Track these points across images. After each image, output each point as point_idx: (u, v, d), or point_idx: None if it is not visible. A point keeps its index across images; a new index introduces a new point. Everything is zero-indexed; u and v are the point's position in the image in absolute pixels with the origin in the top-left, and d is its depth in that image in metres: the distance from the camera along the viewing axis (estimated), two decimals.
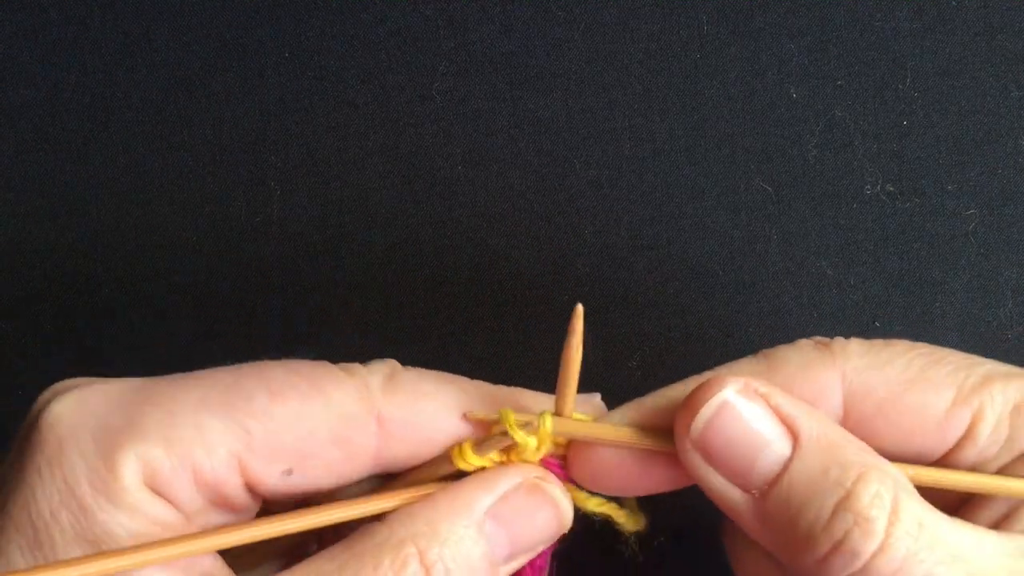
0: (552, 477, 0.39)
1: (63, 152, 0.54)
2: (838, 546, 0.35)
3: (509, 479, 0.38)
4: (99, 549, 0.34)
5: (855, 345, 0.39)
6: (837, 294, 0.53)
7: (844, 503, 0.35)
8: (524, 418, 0.38)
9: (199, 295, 0.53)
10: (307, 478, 0.37)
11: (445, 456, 0.39)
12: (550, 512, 0.39)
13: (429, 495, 0.37)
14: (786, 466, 0.36)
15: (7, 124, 0.54)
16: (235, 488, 0.36)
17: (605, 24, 0.54)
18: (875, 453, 0.37)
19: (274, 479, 0.36)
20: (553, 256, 0.53)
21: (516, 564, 0.38)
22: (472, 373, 0.53)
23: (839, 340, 0.40)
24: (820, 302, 0.53)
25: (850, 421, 0.39)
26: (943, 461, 0.39)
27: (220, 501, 0.37)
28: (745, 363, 0.39)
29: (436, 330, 0.53)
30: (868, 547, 0.34)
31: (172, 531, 0.35)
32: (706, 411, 0.36)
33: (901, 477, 0.36)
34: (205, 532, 0.35)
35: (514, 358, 0.53)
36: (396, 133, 0.54)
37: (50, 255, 0.54)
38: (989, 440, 0.38)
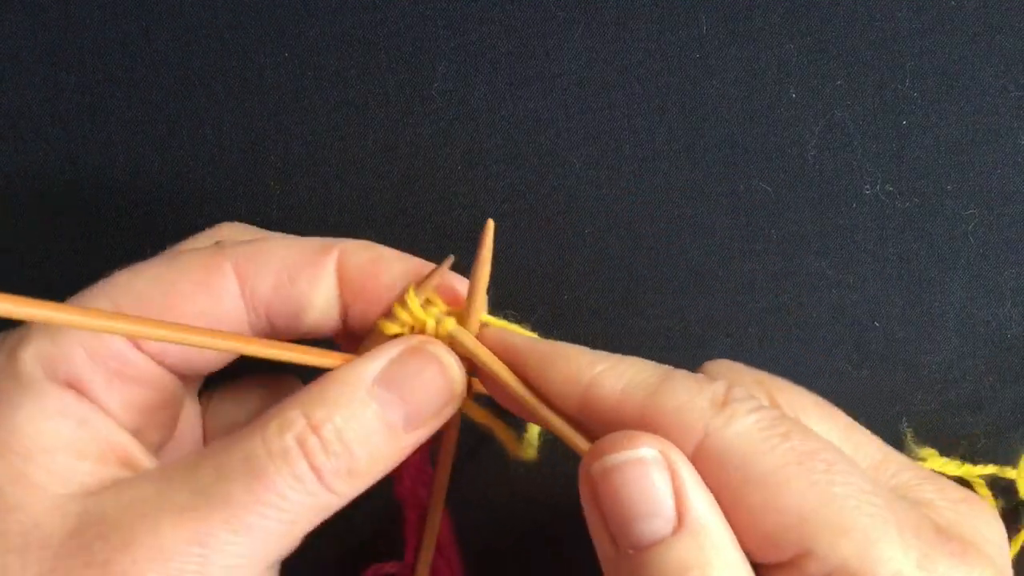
0: (440, 343, 0.40)
1: (63, 152, 0.54)
2: None
3: (395, 347, 0.39)
4: (7, 448, 0.36)
5: (748, 415, 0.36)
6: (837, 294, 0.53)
7: None
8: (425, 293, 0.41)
9: None
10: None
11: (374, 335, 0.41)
12: (435, 369, 0.39)
13: (322, 375, 0.39)
14: (657, 543, 0.35)
15: (7, 124, 0.54)
16: (128, 353, 0.39)
17: (605, 24, 0.54)
18: (747, 568, 0.35)
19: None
20: (553, 256, 0.53)
21: (420, 432, 0.39)
22: None
23: (745, 401, 0.37)
24: (820, 302, 0.53)
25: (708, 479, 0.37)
26: (772, 571, 0.37)
27: (123, 371, 0.39)
28: (635, 369, 0.38)
29: None
30: None
31: (77, 425, 0.37)
32: (615, 458, 0.36)
33: None
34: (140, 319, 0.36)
35: None
36: (396, 133, 0.54)
37: (50, 255, 0.54)
38: None
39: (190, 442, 0.45)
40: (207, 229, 0.45)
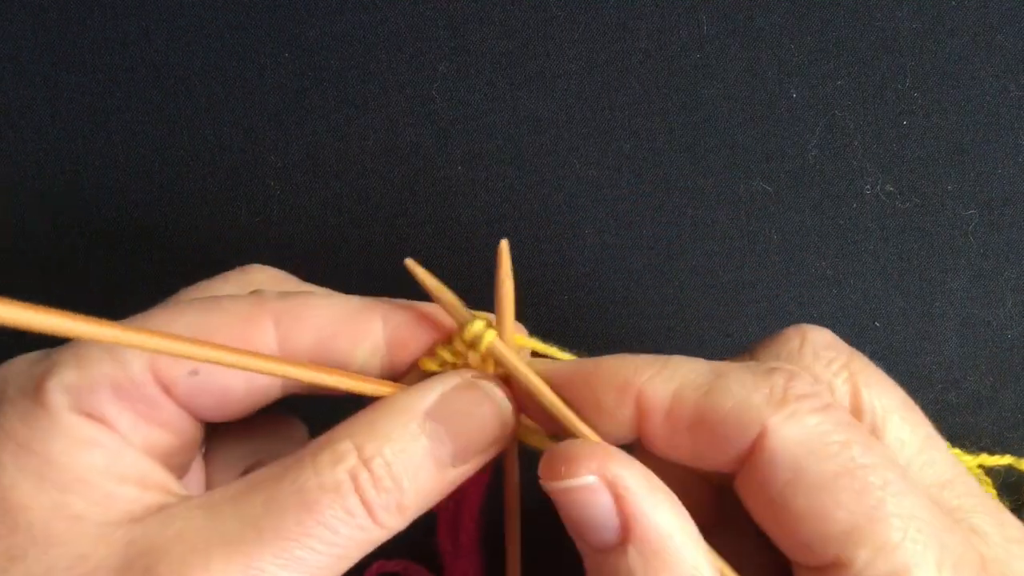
0: (492, 378, 0.40)
1: (63, 152, 0.54)
2: None
3: (446, 381, 0.39)
4: (45, 480, 0.35)
5: (808, 415, 0.35)
6: (837, 294, 0.53)
7: None
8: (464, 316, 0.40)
9: None
10: (214, 377, 0.38)
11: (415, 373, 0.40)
12: (488, 408, 0.39)
13: (371, 404, 0.38)
14: (611, 550, 0.36)
15: (7, 124, 0.54)
16: (157, 396, 0.38)
17: (605, 24, 0.54)
18: (708, 571, 0.36)
19: (183, 380, 0.38)
20: (553, 256, 0.53)
21: (467, 467, 0.39)
22: None
23: (807, 396, 0.36)
24: (820, 302, 0.53)
25: (744, 472, 0.37)
26: (803, 572, 0.37)
27: (149, 413, 0.38)
28: (685, 373, 0.38)
29: None
30: None
31: (111, 453, 0.36)
32: (556, 485, 0.36)
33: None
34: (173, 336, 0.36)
35: None
36: (396, 133, 0.54)
37: (49, 255, 0.54)
38: None
39: (195, 481, 0.44)
40: (237, 269, 0.44)
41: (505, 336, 0.40)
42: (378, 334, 0.40)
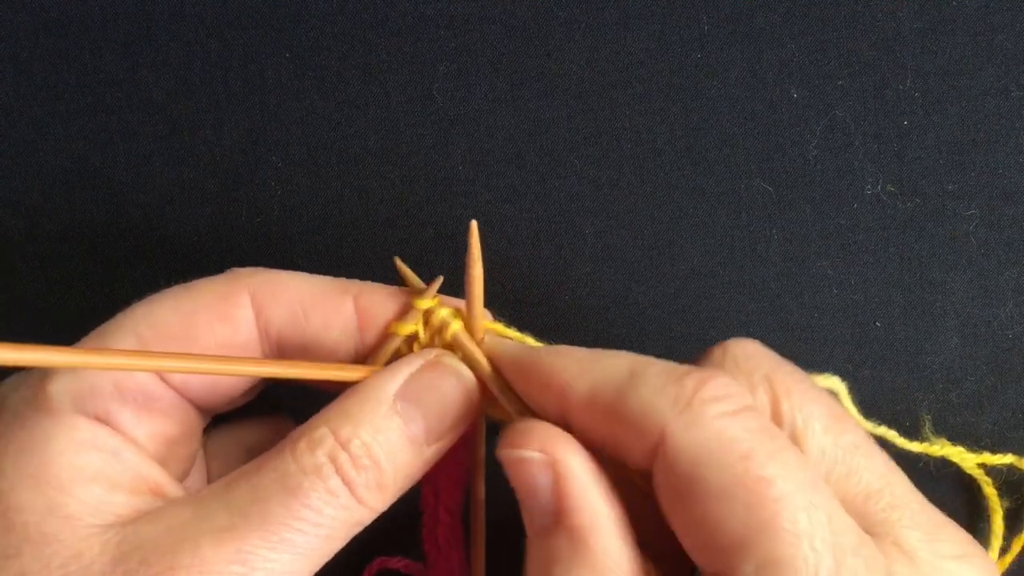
0: (450, 354, 0.42)
1: (63, 152, 0.54)
2: None
3: (412, 362, 0.40)
4: (42, 481, 0.36)
5: (711, 420, 0.35)
6: (837, 294, 0.53)
7: None
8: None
9: None
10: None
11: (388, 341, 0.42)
12: (453, 380, 0.40)
13: (343, 392, 0.40)
14: (539, 533, 0.37)
15: (7, 124, 0.54)
16: (155, 387, 0.40)
17: (605, 24, 0.54)
18: (629, 568, 0.36)
19: None
20: (553, 256, 0.53)
21: (441, 443, 0.40)
22: None
23: (713, 400, 0.36)
24: (820, 302, 0.53)
25: (661, 475, 0.36)
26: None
27: (149, 404, 0.39)
28: (605, 367, 0.38)
29: None
30: None
31: (108, 455, 0.37)
32: (508, 452, 0.38)
33: None
34: (168, 354, 0.39)
35: None
36: (396, 133, 0.54)
37: (49, 255, 0.54)
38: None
39: (198, 479, 0.45)
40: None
41: (473, 322, 0.42)
42: (350, 312, 0.42)
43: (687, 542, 0.36)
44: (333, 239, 0.54)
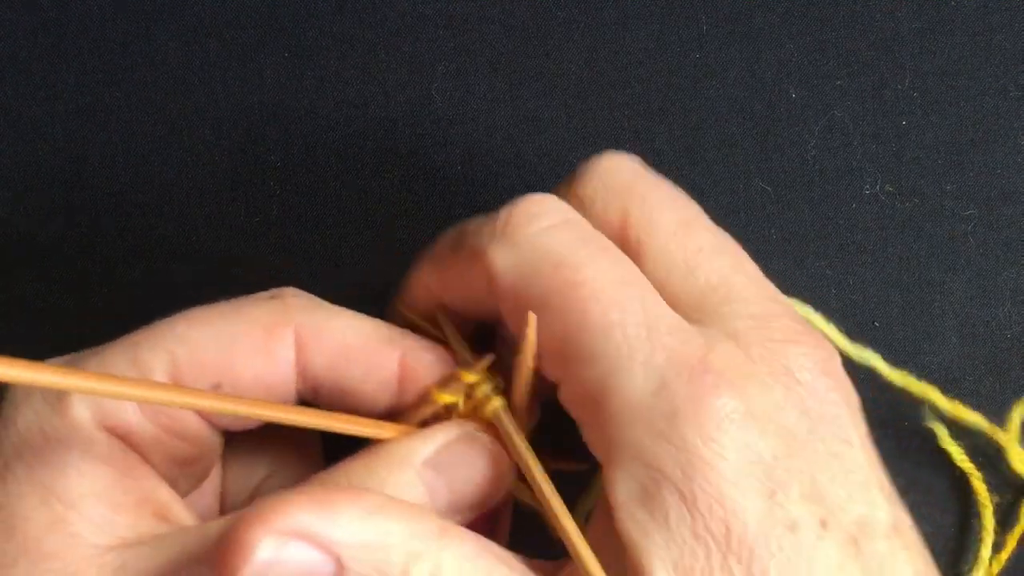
0: (488, 435, 0.40)
1: (63, 152, 0.54)
2: None
3: (448, 431, 0.39)
4: (51, 492, 0.35)
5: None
6: (837, 294, 0.53)
7: None
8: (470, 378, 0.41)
9: (199, 296, 0.53)
10: (235, 389, 0.39)
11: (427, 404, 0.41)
12: (487, 462, 0.39)
13: (372, 446, 0.39)
14: None
15: (7, 124, 0.54)
16: (182, 412, 0.38)
17: (605, 24, 0.54)
18: (426, 531, 0.34)
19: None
20: None
21: (460, 518, 0.39)
22: None
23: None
24: (820, 302, 0.53)
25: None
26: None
27: (170, 425, 0.38)
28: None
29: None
30: None
31: (120, 473, 0.37)
32: (249, 571, 0.33)
33: (450, 548, 0.34)
34: (175, 388, 0.37)
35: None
36: (396, 133, 0.54)
37: (49, 255, 0.54)
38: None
39: (210, 491, 0.44)
40: (269, 292, 0.44)
41: (513, 409, 0.40)
42: (393, 367, 0.40)
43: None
44: (333, 239, 0.54)
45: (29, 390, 0.37)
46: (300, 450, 0.45)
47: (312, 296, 0.42)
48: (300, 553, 0.32)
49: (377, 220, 0.54)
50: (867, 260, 0.53)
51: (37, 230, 0.54)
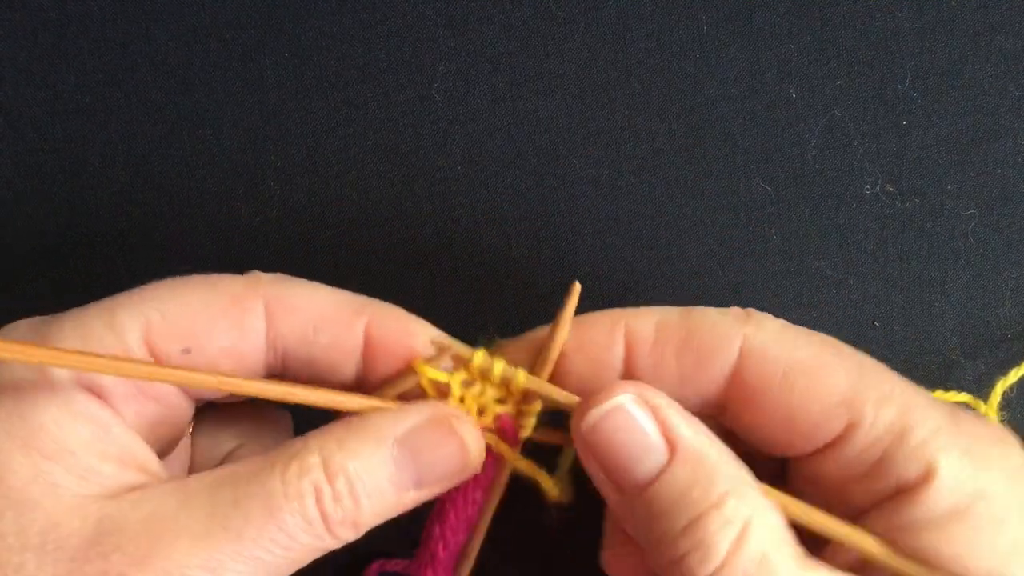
0: (465, 417, 0.42)
1: (63, 152, 0.54)
2: (679, 562, 0.37)
3: (422, 411, 0.41)
4: (32, 447, 0.37)
5: (771, 321, 0.41)
6: (837, 294, 0.53)
7: (694, 524, 0.37)
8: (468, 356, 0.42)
9: None
10: (205, 356, 0.40)
11: (406, 376, 0.42)
12: (455, 447, 0.41)
13: (345, 418, 0.40)
14: (658, 475, 0.38)
15: (7, 124, 0.54)
16: None
17: (605, 24, 0.54)
18: (748, 480, 0.38)
19: (175, 357, 0.39)
20: (553, 256, 0.53)
21: (423, 494, 0.41)
22: None
23: (762, 313, 0.42)
24: (820, 302, 0.53)
25: (736, 385, 0.40)
26: (810, 460, 0.40)
27: (142, 386, 0.40)
28: (664, 311, 0.42)
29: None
30: (703, 571, 0.37)
31: (99, 428, 0.38)
32: (597, 412, 0.39)
33: (765, 508, 0.38)
34: (145, 362, 0.39)
35: None
36: (396, 133, 0.54)
37: (49, 255, 0.54)
38: (855, 459, 0.39)
39: (182, 457, 0.46)
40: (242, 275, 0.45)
41: (541, 374, 0.42)
42: (359, 338, 0.42)
43: (790, 431, 0.40)
44: (333, 239, 0.54)
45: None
46: (269, 421, 0.47)
47: (284, 275, 0.43)
48: (647, 423, 0.38)
49: (377, 220, 0.54)
50: (867, 259, 0.53)
51: (37, 230, 0.54)
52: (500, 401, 0.43)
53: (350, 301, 0.42)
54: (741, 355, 0.40)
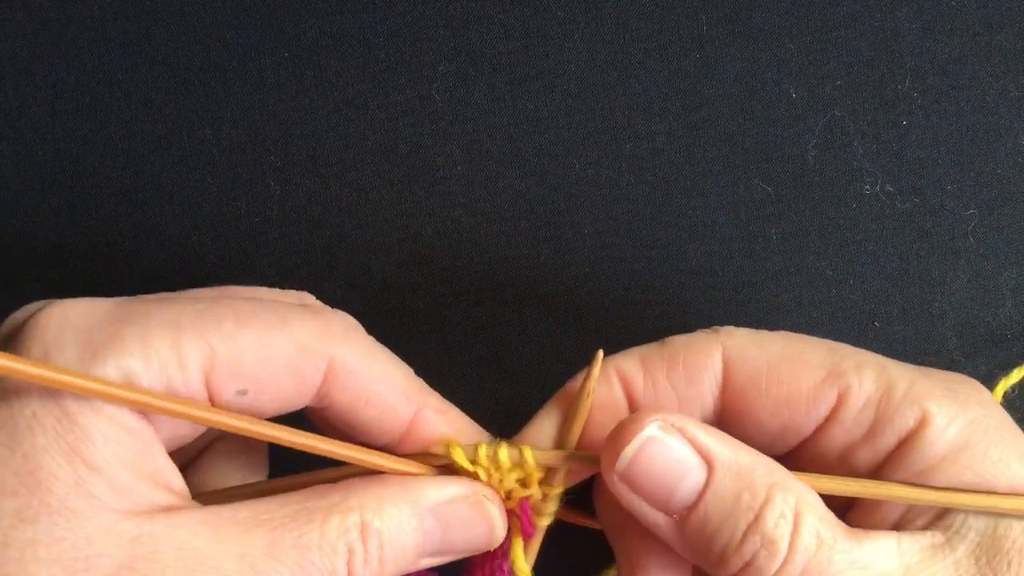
0: (496, 499, 0.43)
1: (63, 152, 0.54)
2: (747, 566, 0.39)
3: (460, 486, 0.42)
4: (77, 454, 0.36)
5: (740, 329, 0.43)
6: (837, 294, 0.53)
7: (753, 527, 0.39)
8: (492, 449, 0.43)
9: None
10: (258, 400, 0.40)
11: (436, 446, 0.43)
12: (484, 529, 0.42)
13: (383, 475, 0.41)
14: (702, 492, 0.40)
15: (7, 124, 0.54)
16: (200, 394, 0.39)
17: (605, 24, 0.54)
18: (781, 469, 0.40)
19: (229, 397, 0.39)
20: (553, 256, 0.53)
21: (435, 562, 0.42)
22: (472, 371, 0.53)
23: (728, 326, 0.44)
24: (820, 302, 0.53)
25: (728, 391, 0.42)
26: (814, 440, 0.42)
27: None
28: (644, 348, 0.44)
29: (436, 330, 0.53)
30: (773, 566, 0.39)
31: (141, 445, 0.38)
32: (630, 449, 0.40)
33: (804, 490, 0.40)
34: (180, 400, 0.38)
35: (514, 357, 0.53)
36: (396, 133, 0.54)
37: (49, 255, 0.54)
38: (853, 423, 0.42)
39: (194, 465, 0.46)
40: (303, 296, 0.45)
41: (567, 443, 0.43)
42: (403, 424, 0.43)
43: (791, 406, 0.42)
44: (332, 239, 0.54)
45: (62, 347, 0.38)
46: (247, 445, 0.47)
47: (351, 321, 0.43)
48: (679, 446, 0.40)
49: (377, 220, 0.54)
50: (867, 259, 0.53)
51: (37, 230, 0.54)
52: (523, 484, 0.43)
53: (407, 388, 0.43)
54: (724, 362, 0.42)
